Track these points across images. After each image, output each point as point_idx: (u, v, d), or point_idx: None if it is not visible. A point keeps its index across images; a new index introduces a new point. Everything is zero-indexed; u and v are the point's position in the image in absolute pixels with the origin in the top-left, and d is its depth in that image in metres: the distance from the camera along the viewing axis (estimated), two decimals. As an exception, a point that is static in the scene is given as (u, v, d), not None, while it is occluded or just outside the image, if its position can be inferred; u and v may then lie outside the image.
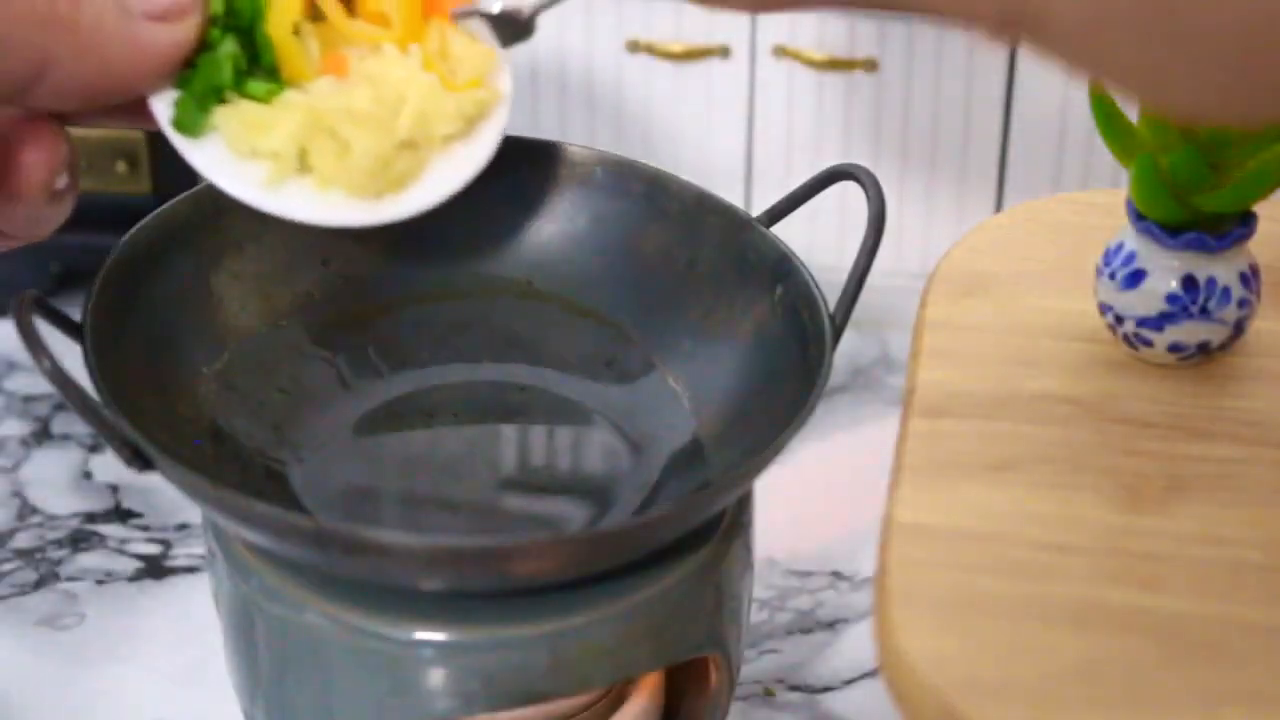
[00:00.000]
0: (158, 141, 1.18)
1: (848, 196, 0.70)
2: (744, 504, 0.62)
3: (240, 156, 0.54)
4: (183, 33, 0.53)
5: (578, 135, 1.36)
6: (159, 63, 0.53)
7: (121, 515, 1.02)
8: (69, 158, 0.53)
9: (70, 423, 1.09)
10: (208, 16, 0.53)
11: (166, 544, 1.00)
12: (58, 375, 0.52)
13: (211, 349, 0.63)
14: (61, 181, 0.52)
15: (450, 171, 0.55)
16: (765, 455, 0.55)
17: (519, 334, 0.67)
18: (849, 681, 0.93)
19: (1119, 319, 0.64)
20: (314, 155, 0.54)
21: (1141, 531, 0.57)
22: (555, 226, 0.66)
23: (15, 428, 1.09)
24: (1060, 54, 0.34)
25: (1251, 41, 0.32)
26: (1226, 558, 0.56)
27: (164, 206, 0.63)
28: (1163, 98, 0.34)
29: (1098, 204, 0.73)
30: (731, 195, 0.82)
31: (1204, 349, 0.64)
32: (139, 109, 0.54)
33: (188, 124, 0.54)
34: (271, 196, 0.54)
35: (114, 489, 1.04)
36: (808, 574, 0.99)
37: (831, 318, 0.60)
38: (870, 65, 1.31)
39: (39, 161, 0.52)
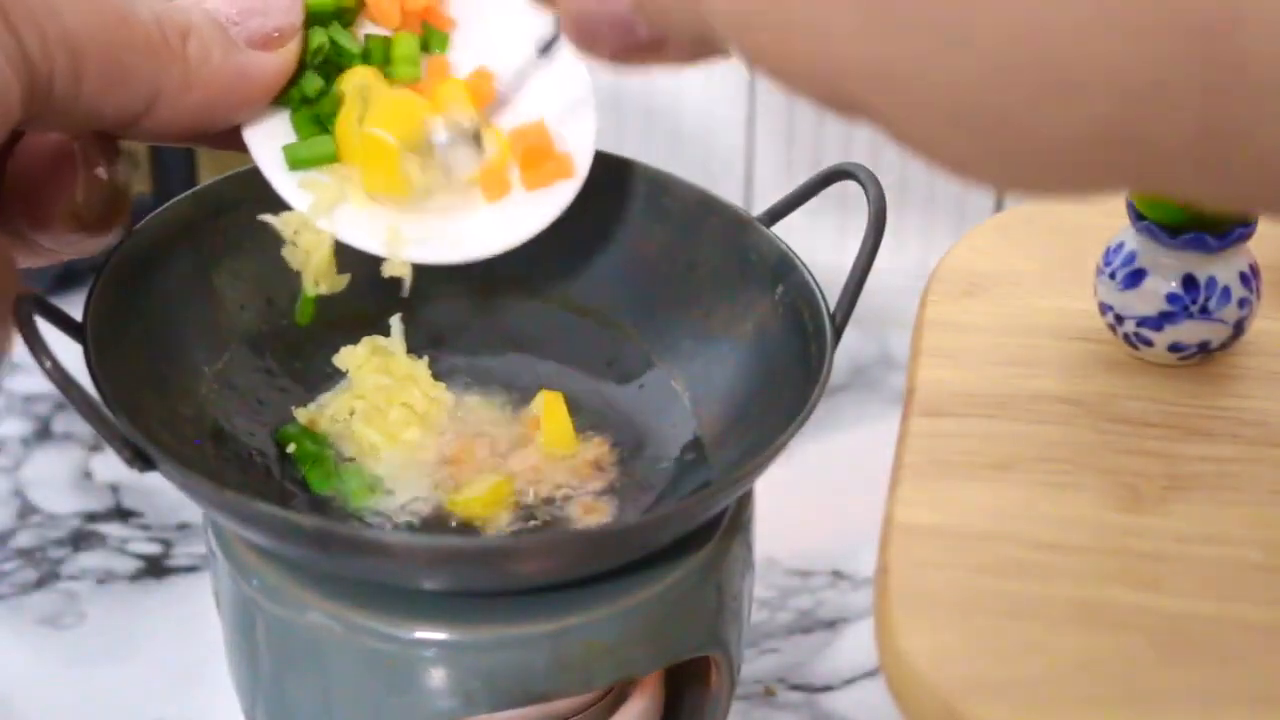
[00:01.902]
0: (158, 141, 1.18)
1: (848, 196, 0.70)
2: (744, 504, 0.62)
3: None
4: (285, 58, 0.53)
5: (578, 135, 1.36)
6: (262, 91, 0.53)
7: (122, 515, 1.02)
8: (100, 192, 0.53)
9: (71, 422, 1.09)
10: (305, 39, 0.54)
11: (167, 544, 1.00)
12: (58, 375, 0.52)
13: (212, 349, 0.63)
14: (90, 213, 0.53)
15: (529, 212, 0.59)
16: (766, 455, 0.55)
17: (519, 334, 0.67)
18: (849, 681, 0.92)
19: (1119, 319, 0.64)
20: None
21: (1141, 531, 0.57)
22: (555, 226, 0.66)
23: (15, 427, 1.09)
24: (894, 138, 0.36)
25: (1070, 156, 0.33)
26: (1226, 558, 0.56)
27: (164, 206, 0.63)
28: (981, 181, 0.35)
29: (1098, 204, 0.74)
30: (731, 195, 0.82)
31: (1204, 349, 0.64)
32: (229, 136, 0.55)
33: (298, 162, 0.56)
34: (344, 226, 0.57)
35: (114, 488, 1.04)
36: (808, 573, 0.99)
37: (832, 317, 0.60)
38: (870, 65, 1.30)
39: (58, 194, 0.52)
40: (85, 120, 0.50)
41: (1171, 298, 0.63)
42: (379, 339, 0.64)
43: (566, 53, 0.57)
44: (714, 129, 1.35)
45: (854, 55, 0.34)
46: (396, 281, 0.58)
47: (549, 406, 0.64)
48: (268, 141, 0.56)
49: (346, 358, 0.63)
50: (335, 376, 0.65)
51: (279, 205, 0.63)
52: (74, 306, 0.57)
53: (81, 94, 0.48)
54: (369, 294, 0.66)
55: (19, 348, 0.54)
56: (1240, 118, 0.31)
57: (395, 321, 0.64)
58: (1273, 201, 0.34)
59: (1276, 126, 0.31)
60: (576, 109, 0.60)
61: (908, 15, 0.33)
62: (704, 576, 0.59)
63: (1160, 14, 0.31)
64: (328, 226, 0.56)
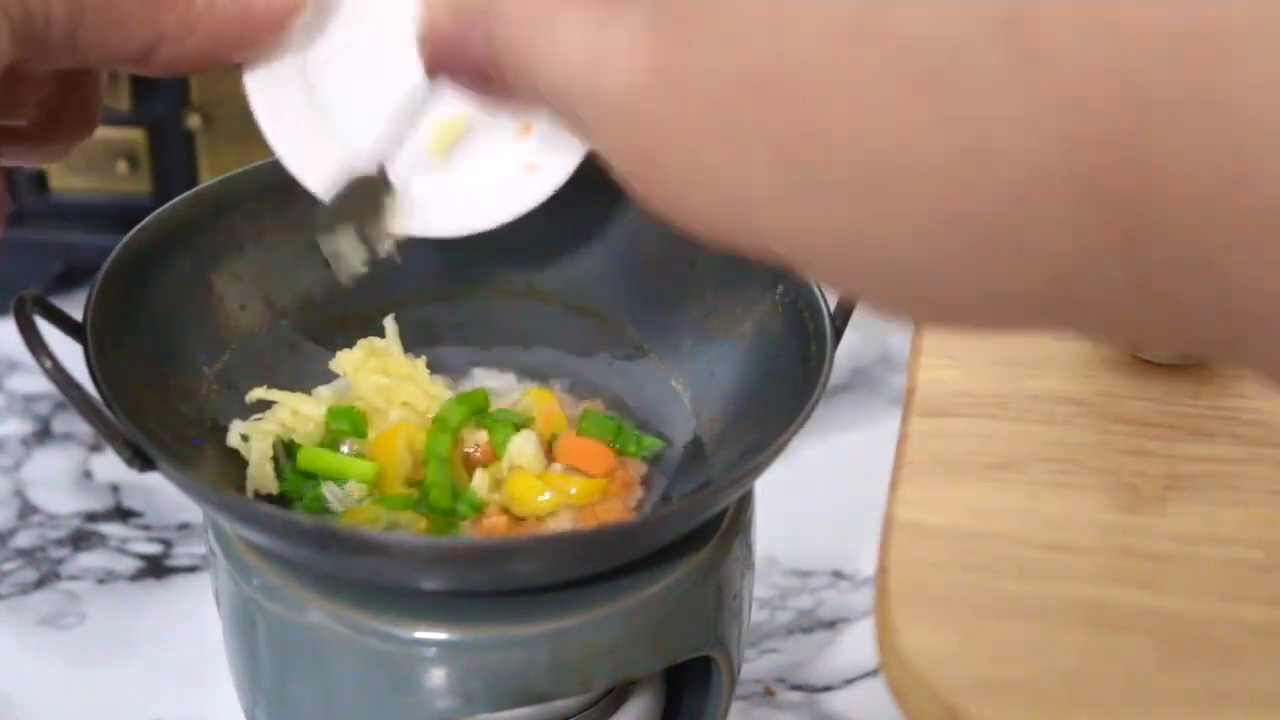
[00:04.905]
0: (158, 141, 1.18)
1: (848, 196, 0.69)
2: (744, 504, 0.62)
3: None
4: None
5: (578, 135, 1.35)
6: (267, 33, 0.52)
7: (122, 515, 1.02)
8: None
9: (71, 422, 1.09)
10: None
11: (167, 543, 1.00)
12: (58, 375, 0.52)
13: (212, 349, 0.63)
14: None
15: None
16: (766, 455, 0.55)
17: (519, 334, 0.67)
18: (849, 681, 0.92)
19: (1119, 319, 0.64)
20: None
21: (1141, 531, 0.57)
22: (555, 226, 0.66)
23: (15, 427, 1.09)
24: (809, 278, 0.35)
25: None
26: (1226, 558, 0.56)
27: (164, 206, 0.63)
28: (908, 324, 0.35)
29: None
30: (732, 195, 0.82)
31: (1204, 349, 0.64)
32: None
33: None
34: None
35: (115, 488, 1.04)
36: (808, 573, 0.99)
37: (833, 317, 0.60)
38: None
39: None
40: (82, 62, 0.50)
41: (1171, 298, 0.63)
42: (375, 340, 0.64)
43: None
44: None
45: (774, 217, 0.33)
46: (394, 281, 0.58)
47: (539, 405, 0.64)
48: (268, 87, 0.54)
49: (343, 361, 0.63)
50: (335, 375, 0.65)
51: (278, 205, 0.63)
52: (74, 306, 0.57)
53: (78, 39, 0.48)
54: (365, 294, 0.66)
55: (19, 347, 0.54)
56: (1167, 289, 0.29)
57: (389, 322, 0.64)
58: (1225, 352, 0.31)
59: (1200, 292, 0.29)
60: None
61: (832, 176, 0.31)
62: (704, 576, 0.59)
63: (1077, 186, 0.29)
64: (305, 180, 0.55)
